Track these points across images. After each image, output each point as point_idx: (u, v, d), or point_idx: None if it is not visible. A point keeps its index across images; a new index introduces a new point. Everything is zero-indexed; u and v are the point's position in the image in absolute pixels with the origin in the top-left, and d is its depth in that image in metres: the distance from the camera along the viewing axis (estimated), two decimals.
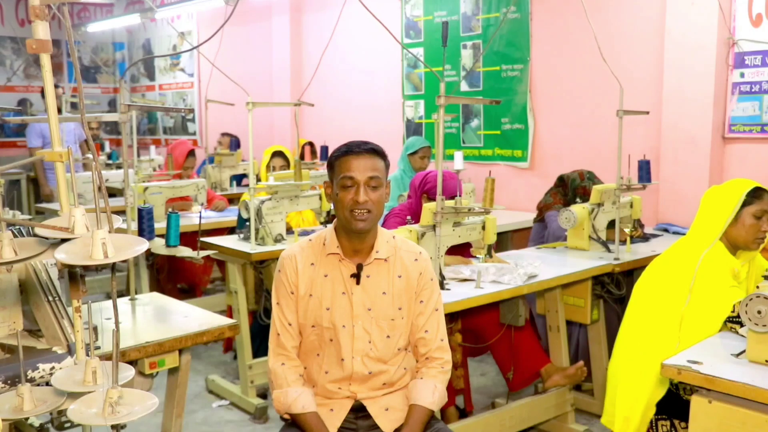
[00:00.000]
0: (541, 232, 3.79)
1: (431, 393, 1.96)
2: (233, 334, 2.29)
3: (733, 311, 2.19)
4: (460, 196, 2.72)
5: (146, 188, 4.28)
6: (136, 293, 2.53)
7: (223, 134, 6.62)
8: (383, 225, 3.23)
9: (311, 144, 5.82)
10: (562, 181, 3.77)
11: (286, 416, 2.01)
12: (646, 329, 2.36)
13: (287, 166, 4.47)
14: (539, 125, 4.80)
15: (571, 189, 3.70)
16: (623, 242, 3.33)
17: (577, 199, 3.66)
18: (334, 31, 4.56)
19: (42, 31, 1.09)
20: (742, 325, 2.16)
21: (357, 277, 1.96)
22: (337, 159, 1.94)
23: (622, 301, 2.63)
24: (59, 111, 5.07)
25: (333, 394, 1.99)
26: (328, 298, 1.97)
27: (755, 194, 2.36)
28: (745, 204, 2.35)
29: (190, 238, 3.50)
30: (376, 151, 1.94)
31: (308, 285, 1.99)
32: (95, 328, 1.83)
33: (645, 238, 3.66)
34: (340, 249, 1.97)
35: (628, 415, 2.32)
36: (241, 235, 3.65)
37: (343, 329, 1.96)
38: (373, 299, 1.97)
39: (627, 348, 2.40)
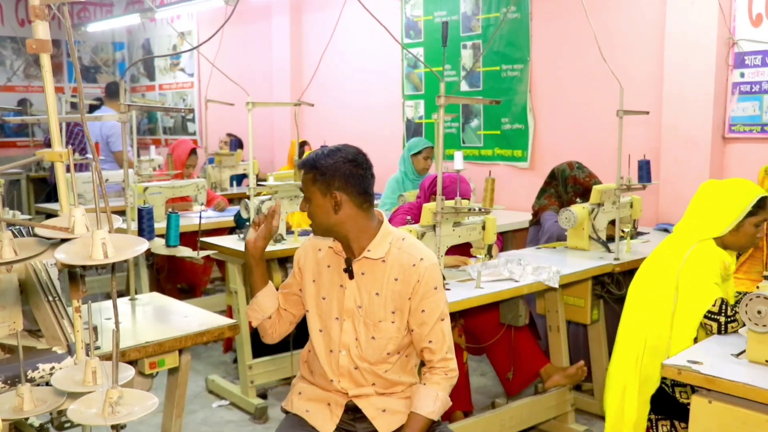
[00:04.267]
0: (536, 234, 3.79)
1: (432, 401, 1.94)
2: (233, 334, 2.29)
3: (714, 305, 2.19)
4: (468, 198, 2.73)
5: (146, 188, 4.28)
6: (136, 293, 2.53)
7: (229, 135, 6.62)
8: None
9: (303, 142, 5.78)
10: (552, 176, 3.77)
11: (285, 409, 2.07)
12: (640, 330, 2.36)
13: None
14: (539, 125, 4.80)
15: (561, 180, 3.70)
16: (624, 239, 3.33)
17: (569, 189, 3.66)
18: (334, 31, 4.56)
19: (42, 31, 1.09)
20: (719, 325, 2.18)
21: (349, 272, 1.97)
22: None
23: (622, 301, 2.65)
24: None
25: (328, 385, 2.01)
26: (326, 288, 2.00)
27: (759, 204, 2.34)
28: (749, 214, 2.33)
29: (190, 238, 3.50)
30: (305, 166, 1.97)
31: (314, 270, 2.04)
32: (95, 328, 1.83)
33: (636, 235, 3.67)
34: (337, 243, 2.00)
35: (627, 416, 2.33)
36: (241, 235, 3.65)
37: (335, 321, 1.98)
38: (365, 298, 1.97)
39: (624, 351, 2.41)
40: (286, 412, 2.08)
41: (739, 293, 2.50)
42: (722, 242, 2.36)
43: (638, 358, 2.33)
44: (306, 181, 1.94)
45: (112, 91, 6.48)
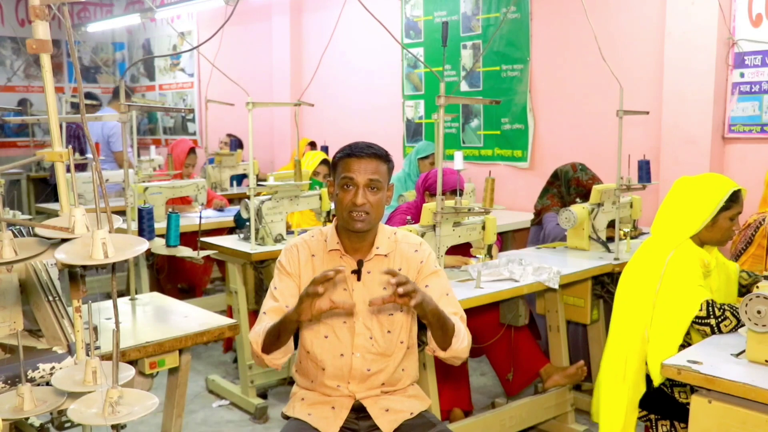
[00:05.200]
0: (538, 234, 3.79)
1: (457, 324, 1.92)
2: (233, 334, 2.29)
3: (700, 310, 2.18)
4: (461, 190, 2.72)
5: (146, 188, 4.28)
6: (136, 293, 2.53)
7: (229, 135, 6.62)
8: (388, 223, 3.23)
9: (313, 143, 5.82)
10: (555, 176, 3.77)
11: (287, 415, 2.03)
12: (623, 332, 2.36)
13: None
14: (539, 125, 4.80)
15: (564, 181, 3.70)
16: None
17: (572, 191, 3.66)
18: (334, 31, 4.56)
19: (42, 31, 1.09)
20: (712, 327, 2.17)
21: (358, 273, 1.97)
22: (340, 159, 1.95)
23: None
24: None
25: (332, 392, 2.00)
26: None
27: (732, 197, 2.33)
28: (722, 208, 2.32)
29: (190, 238, 3.51)
30: (379, 155, 1.94)
31: (310, 277, 1.98)
32: (95, 328, 1.83)
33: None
34: (341, 246, 1.98)
35: (613, 418, 2.33)
36: (241, 235, 3.65)
37: (343, 325, 1.97)
38: (374, 295, 1.96)
39: (610, 351, 2.41)
40: (287, 418, 2.06)
41: (744, 271, 2.52)
42: (699, 239, 2.36)
43: (626, 360, 2.33)
44: (381, 169, 1.93)
45: (116, 92, 6.51)
